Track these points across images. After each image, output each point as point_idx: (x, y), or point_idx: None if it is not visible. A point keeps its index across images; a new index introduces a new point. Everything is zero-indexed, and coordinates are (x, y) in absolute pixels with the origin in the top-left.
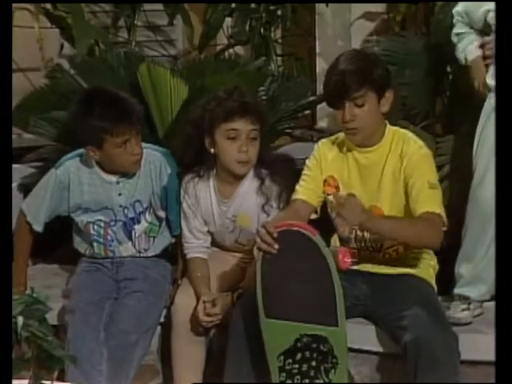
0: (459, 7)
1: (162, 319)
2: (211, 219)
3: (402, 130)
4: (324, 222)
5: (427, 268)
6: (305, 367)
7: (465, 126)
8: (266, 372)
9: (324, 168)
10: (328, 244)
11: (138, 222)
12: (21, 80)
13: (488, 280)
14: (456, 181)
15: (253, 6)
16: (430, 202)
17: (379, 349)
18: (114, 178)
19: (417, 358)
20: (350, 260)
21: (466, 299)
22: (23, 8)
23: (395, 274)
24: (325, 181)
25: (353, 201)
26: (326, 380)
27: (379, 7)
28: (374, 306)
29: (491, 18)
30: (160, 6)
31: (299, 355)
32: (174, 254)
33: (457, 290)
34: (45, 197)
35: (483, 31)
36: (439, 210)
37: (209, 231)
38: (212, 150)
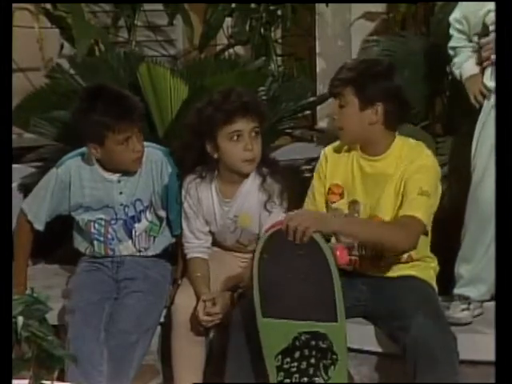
0: (456, 13)
1: (162, 319)
2: (213, 219)
3: (414, 142)
4: None
5: (428, 269)
6: (303, 365)
7: (465, 125)
8: (267, 372)
9: (329, 177)
10: None
11: (139, 220)
12: (21, 80)
13: (488, 280)
14: (456, 181)
15: (253, 5)
16: (414, 206)
17: (379, 349)
18: (115, 177)
19: (416, 358)
20: (347, 256)
21: (465, 299)
22: (23, 8)
23: (396, 275)
24: (329, 189)
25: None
26: (325, 377)
27: (379, 7)
28: (374, 307)
29: (489, 18)
30: (160, 6)
31: (297, 353)
32: (174, 253)
33: (457, 291)
34: (45, 196)
35: (479, 43)
36: (420, 215)
37: (210, 231)
38: (215, 155)
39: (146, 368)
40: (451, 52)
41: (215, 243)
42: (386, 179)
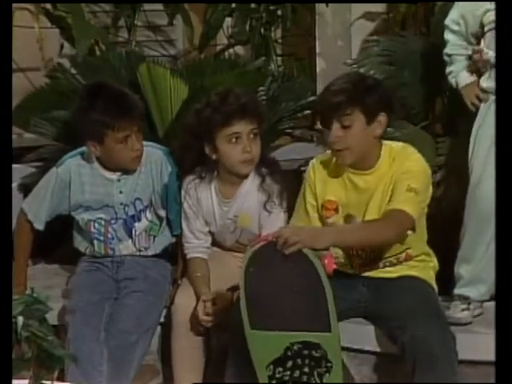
0: (453, 14)
1: (162, 319)
2: (212, 220)
3: (401, 146)
4: None
5: (427, 269)
6: (297, 373)
7: (464, 126)
8: None
9: (320, 193)
10: None
11: (139, 219)
12: (21, 80)
13: (488, 280)
14: (456, 181)
15: (253, 5)
16: (401, 201)
17: (379, 349)
18: (115, 176)
19: (415, 357)
20: (334, 264)
21: (465, 299)
22: (23, 8)
23: (395, 276)
24: (322, 205)
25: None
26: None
27: (379, 7)
28: (374, 307)
29: (487, 18)
30: (160, 6)
31: (290, 363)
32: (174, 253)
33: (457, 291)
34: (45, 195)
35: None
36: (407, 208)
37: (210, 231)
38: (214, 156)
39: (146, 368)
40: (446, 58)
41: (215, 243)
42: (376, 192)
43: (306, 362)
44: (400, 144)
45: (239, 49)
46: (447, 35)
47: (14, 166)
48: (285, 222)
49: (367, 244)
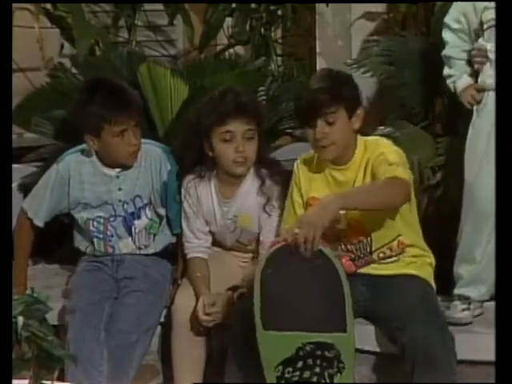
0: (453, 13)
1: (162, 319)
2: (212, 219)
3: (373, 138)
4: None
5: (425, 266)
6: (306, 374)
7: (464, 126)
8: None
9: (304, 191)
10: None
11: (139, 217)
12: (21, 80)
13: (487, 280)
14: (456, 181)
15: (253, 5)
16: (389, 171)
17: (379, 349)
18: (113, 172)
19: (414, 357)
20: (352, 264)
21: (466, 299)
22: (23, 8)
23: (394, 274)
24: (306, 203)
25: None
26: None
27: (379, 7)
28: (373, 307)
29: (486, 15)
30: (160, 6)
31: (300, 363)
32: (174, 253)
33: (457, 291)
34: (45, 192)
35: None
36: (399, 174)
37: (210, 231)
38: (210, 153)
39: (146, 368)
40: (445, 60)
41: (215, 243)
42: (355, 183)
43: (318, 362)
44: (371, 137)
45: (239, 49)
46: (446, 35)
47: (14, 165)
48: None
49: (376, 207)
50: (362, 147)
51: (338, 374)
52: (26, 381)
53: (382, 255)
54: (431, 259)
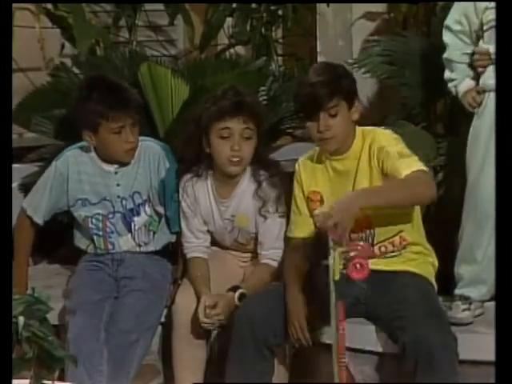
0: (454, 15)
1: (162, 319)
2: (210, 219)
3: (370, 128)
4: None
5: (426, 264)
6: None
7: (465, 126)
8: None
9: (306, 186)
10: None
11: (138, 213)
12: (21, 80)
13: (488, 280)
14: (456, 181)
15: (254, 5)
16: (407, 165)
17: (381, 349)
18: (112, 168)
19: (415, 357)
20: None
21: (466, 299)
22: (24, 8)
23: (395, 271)
24: (308, 198)
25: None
26: None
27: (380, 7)
28: (374, 306)
29: (486, 16)
30: (161, 6)
31: None
32: (174, 253)
33: (457, 291)
34: (45, 189)
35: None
36: (418, 167)
37: (208, 230)
38: (208, 150)
39: (146, 368)
40: (446, 64)
41: (214, 243)
42: (356, 171)
43: None
44: (367, 127)
45: (240, 49)
46: (446, 37)
47: (14, 165)
48: (281, 226)
49: (401, 204)
50: (360, 136)
51: None
52: (27, 381)
53: (383, 249)
54: (433, 259)
